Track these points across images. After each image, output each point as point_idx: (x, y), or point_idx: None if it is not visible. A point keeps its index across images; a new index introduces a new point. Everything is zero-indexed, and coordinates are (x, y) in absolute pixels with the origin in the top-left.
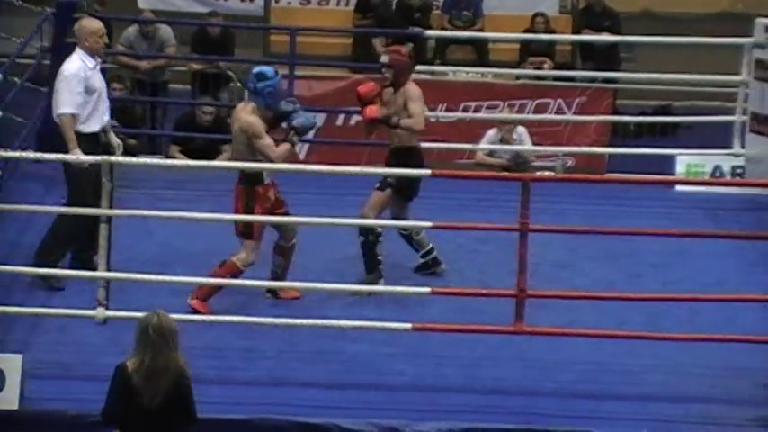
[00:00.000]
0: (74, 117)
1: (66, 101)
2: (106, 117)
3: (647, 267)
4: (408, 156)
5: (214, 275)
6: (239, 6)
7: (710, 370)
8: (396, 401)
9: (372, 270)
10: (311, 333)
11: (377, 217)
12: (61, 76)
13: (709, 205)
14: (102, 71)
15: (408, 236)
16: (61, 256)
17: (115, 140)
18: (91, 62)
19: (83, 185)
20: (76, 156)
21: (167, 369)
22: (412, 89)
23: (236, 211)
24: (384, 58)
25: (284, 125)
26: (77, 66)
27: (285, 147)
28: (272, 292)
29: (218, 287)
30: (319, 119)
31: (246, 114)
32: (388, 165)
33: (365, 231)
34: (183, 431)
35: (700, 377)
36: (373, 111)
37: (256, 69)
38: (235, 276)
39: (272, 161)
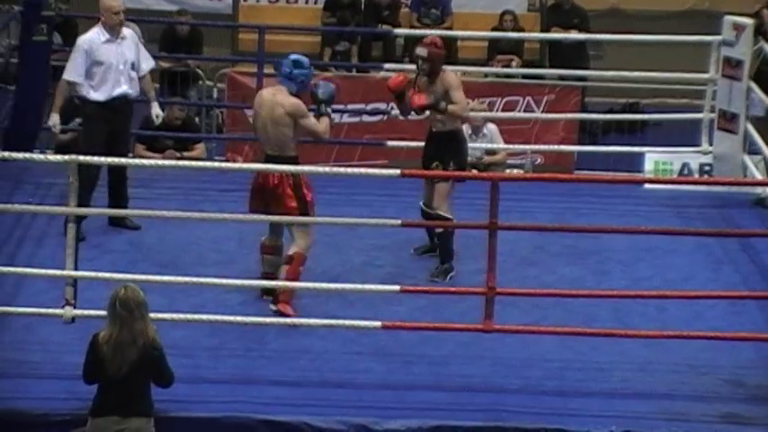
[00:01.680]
0: (70, 84)
1: (67, 68)
2: (120, 89)
3: (615, 264)
4: (452, 139)
5: (289, 274)
6: (208, 5)
7: (677, 366)
8: (365, 399)
9: (448, 260)
10: (280, 331)
11: (450, 206)
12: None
13: (677, 202)
14: None
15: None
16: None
17: (156, 111)
18: (104, 36)
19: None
20: (53, 121)
21: (134, 340)
22: (451, 78)
23: (286, 201)
24: (422, 52)
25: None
26: (86, 38)
27: (326, 121)
28: (270, 293)
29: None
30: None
31: (289, 97)
32: (429, 149)
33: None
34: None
35: (666, 374)
36: (422, 98)
37: (293, 57)
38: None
39: (319, 137)
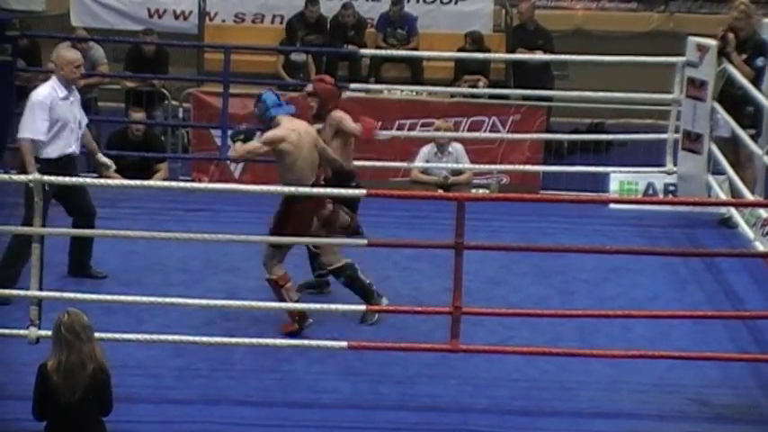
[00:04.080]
0: (33, 142)
1: (27, 126)
2: (72, 148)
3: (581, 284)
4: (349, 179)
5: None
6: (174, 24)
7: (642, 386)
8: (332, 419)
9: (369, 298)
10: (246, 351)
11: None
12: (29, 102)
13: (642, 222)
14: None
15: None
16: (15, 273)
17: (104, 160)
18: (62, 91)
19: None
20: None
21: (83, 364)
22: (338, 114)
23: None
24: (309, 87)
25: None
26: (45, 93)
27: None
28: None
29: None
30: (256, 137)
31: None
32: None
33: (338, 272)
34: (99, 422)
35: (632, 393)
36: (371, 121)
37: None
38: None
39: None
